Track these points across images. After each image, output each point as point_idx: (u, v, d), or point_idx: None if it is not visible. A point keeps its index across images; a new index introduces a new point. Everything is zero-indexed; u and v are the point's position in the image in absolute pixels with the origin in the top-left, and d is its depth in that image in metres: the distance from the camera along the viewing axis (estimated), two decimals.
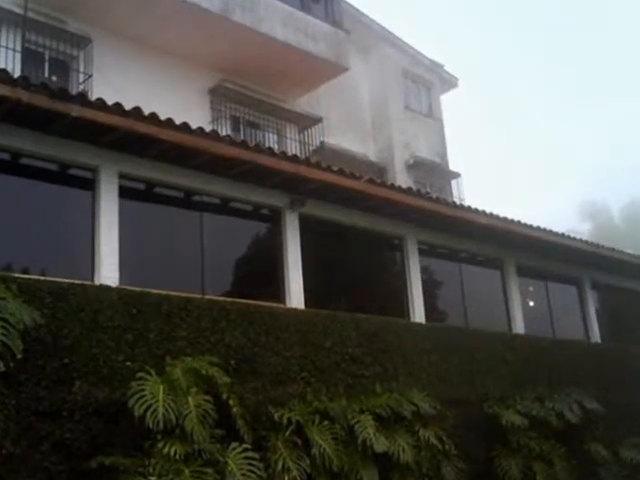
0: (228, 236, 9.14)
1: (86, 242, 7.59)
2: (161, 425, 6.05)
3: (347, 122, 18.51)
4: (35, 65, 12.41)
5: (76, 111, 7.02)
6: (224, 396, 6.79)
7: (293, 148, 15.60)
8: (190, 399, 6.39)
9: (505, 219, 11.66)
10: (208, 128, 9.46)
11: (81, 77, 12.84)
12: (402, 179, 17.79)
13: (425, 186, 18.42)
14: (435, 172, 19.92)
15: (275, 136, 16.03)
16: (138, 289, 7.14)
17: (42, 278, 6.69)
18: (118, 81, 12.55)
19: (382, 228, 10.74)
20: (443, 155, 20.81)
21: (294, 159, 9.08)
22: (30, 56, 12.28)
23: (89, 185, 7.78)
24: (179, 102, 12.87)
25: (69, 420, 6.08)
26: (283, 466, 6.96)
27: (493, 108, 76.95)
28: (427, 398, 8.87)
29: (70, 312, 6.44)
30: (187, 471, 6.03)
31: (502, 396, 10.28)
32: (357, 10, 19.14)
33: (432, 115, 21.18)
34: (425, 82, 21.37)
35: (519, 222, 11.90)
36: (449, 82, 22.10)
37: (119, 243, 7.63)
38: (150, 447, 6.12)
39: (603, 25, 70.03)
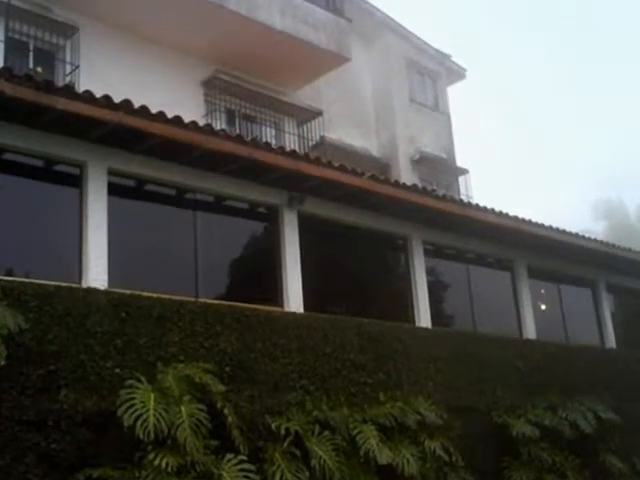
0: (223, 236, 9.14)
1: (73, 242, 7.60)
2: (152, 435, 6.06)
3: (349, 115, 18.50)
4: (19, 55, 12.39)
5: (62, 104, 7.03)
6: (219, 405, 6.79)
7: (292, 143, 15.60)
8: (183, 408, 6.39)
9: (516, 218, 11.68)
10: (202, 122, 9.48)
11: (68, 68, 12.83)
12: (406, 176, 17.80)
13: (431, 183, 18.41)
14: (442, 168, 19.93)
15: (273, 130, 16.01)
16: (128, 292, 7.14)
17: (27, 280, 6.69)
18: (107, 72, 12.55)
19: (386, 227, 10.74)
20: (450, 150, 20.80)
21: (293, 155, 9.08)
22: (14, 46, 12.26)
23: (76, 182, 7.79)
24: (171, 95, 12.87)
25: (55, 430, 6.07)
26: (281, 478, 6.95)
27: (503, 102, 77.06)
28: (433, 407, 8.88)
29: (56, 316, 6.43)
30: None
31: (512, 405, 10.29)
32: None
33: (438, 108, 21.17)
34: (431, 73, 21.35)
35: (530, 221, 11.91)
36: (456, 73, 22.07)
37: (108, 243, 7.63)
38: (140, 459, 6.13)
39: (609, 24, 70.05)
